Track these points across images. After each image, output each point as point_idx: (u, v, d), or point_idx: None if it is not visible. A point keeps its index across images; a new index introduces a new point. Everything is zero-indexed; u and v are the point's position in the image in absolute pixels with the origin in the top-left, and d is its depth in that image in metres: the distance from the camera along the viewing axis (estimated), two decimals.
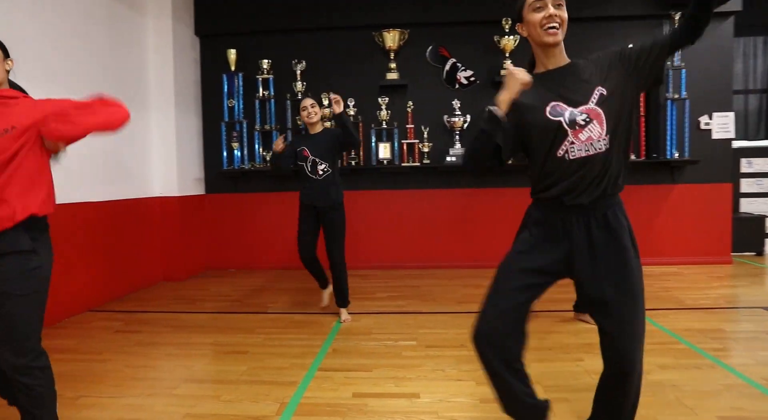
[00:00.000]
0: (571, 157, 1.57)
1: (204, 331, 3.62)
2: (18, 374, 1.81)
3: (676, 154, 5.36)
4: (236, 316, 3.94)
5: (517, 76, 1.56)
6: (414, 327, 3.57)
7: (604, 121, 1.55)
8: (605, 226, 1.59)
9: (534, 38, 1.63)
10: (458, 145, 5.46)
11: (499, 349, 1.64)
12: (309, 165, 3.62)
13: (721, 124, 5.52)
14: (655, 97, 5.36)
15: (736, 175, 6.54)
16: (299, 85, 5.55)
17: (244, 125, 5.60)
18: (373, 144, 5.56)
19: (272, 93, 5.58)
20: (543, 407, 1.72)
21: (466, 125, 5.46)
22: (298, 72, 5.55)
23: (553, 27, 1.57)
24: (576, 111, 1.57)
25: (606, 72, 1.57)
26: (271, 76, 5.57)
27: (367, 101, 5.57)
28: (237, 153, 5.61)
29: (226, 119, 5.61)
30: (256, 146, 5.63)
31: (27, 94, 1.97)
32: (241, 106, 5.60)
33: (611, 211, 1.60)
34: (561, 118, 1.58)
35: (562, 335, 3.33)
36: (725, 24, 5.45)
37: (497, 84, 5.44)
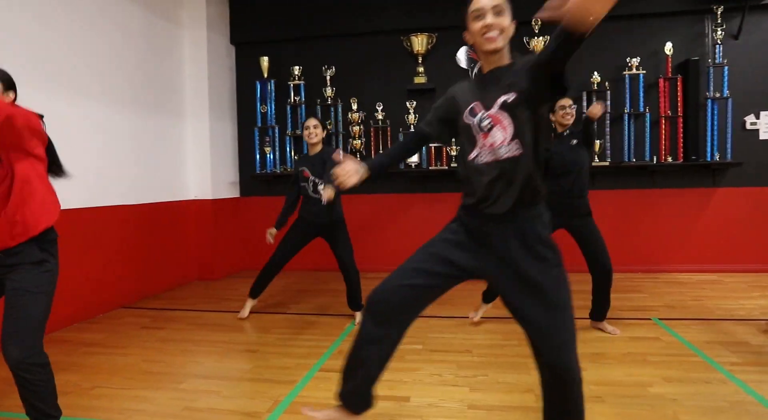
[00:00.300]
0: (479, 162, 1.60)
1: (222, 329, 3.77)
2: (20, 370, 1.93)
3: (717, 156, 5.10)
4: (256, 316, 4.07)
5: (342, 181, 1.71)
6: (425, 330, 3.58)
7: (507, 127, 1.55)
8: (522, 238, 1.56)
9: (476, 46, 1.65)
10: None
11: (381, 324, 1.71)
12: (310, 185, 3.70)
13: None
14: (695, 97, 5.10)
15: None
16: (329, 91, 5.66)
17: (276, 130, 5.77)
18: None
19: (303, 98, 5.73)
20: (367, 400, 1.79)
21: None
22: (328, 78, 5.67)
23: (492, 35, 1.57)
24: (485, 115, 1.58)
25: (522, 76, 1.55)
26: (302, 82, 5.72)
27: (395, 105, 5.62)
28: (269, 157, 5.79)
29: (259, 124, 5.80)
30: (288, 150, 5.79)
31: None
32: (273, 111, 5.78)
33: (530, 223, 1.57)
34: (472, 121, 1.61)
35: None
36: None
37: None
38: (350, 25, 5.66)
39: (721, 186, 5.26)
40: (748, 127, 5.21)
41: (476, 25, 1.60)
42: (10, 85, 2.03)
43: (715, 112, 5.11)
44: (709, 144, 5.11)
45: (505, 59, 1.65)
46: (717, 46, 5.07)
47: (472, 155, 1.62)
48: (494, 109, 1.57)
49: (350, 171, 1.71)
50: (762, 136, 5.20)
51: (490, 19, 1.57)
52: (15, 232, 1.94)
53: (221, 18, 5.68)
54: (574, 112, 3.37)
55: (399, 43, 5.59)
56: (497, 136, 1.56)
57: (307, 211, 3.76)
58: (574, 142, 3.37)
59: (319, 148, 3.75)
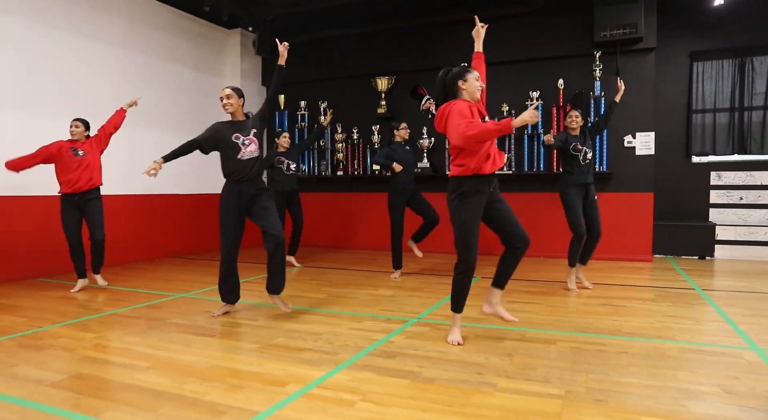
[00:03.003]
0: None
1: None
2: (97, 242, 4.62)
3: (599, 168, 6.53)
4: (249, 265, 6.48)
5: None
6: (318, 275, 5.73)
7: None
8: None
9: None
10: (425, 160, 7.35)
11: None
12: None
13: (643, 142, 6.53)
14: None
15: (706, 188, 7.24)
16: (323, 119, 7.97)
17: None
18: (369, 160, 7.73)
19: (306, 124, 8.11)
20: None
21: (431, 145, 7.34)
22: (322, 108, 8.00)
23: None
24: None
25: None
26: (306, 112, 8.11)
27: (365, 128, 7.77)
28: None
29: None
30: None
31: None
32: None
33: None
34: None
35: None
36: (647, 58, 6.48)
37: None
38: (337, 70, 7.95)
39: (606, 191, 6.66)
40: (626, 145, 6.58)
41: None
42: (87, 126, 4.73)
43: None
44: None
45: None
46: (596, 81, 6.54)
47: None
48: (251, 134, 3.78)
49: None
50: (638, 152, 6.54)
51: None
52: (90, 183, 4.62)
53: (254, 70, 8.29)
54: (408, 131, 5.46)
55: (369, 83, 7.74)
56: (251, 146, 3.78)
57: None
58: (407, 148, 5.42)
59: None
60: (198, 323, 3.66)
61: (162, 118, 6.93)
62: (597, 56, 6.54)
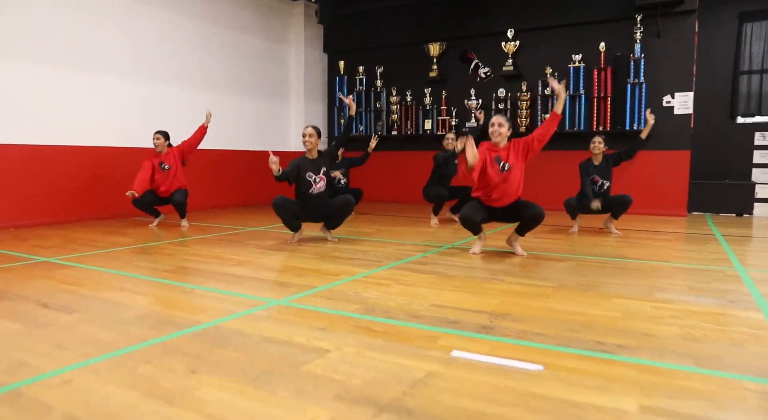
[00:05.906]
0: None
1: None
2: (179, 201, 5.51)
3: (635, 127, 6.86)
4: None
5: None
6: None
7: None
8: None
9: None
10: (473, 120, 7.88)
11: (286, 210, 4.49)
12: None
13: (682, 102, 6.78)
14: (622, 82, 6.90)
15: (750, 148, 7.40)
16: (379, 83, 8.63)
17: (346, 109, 8.92)
18: (421, 120, 8.34)
19: (364, 87, 8.78)
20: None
21: (478, 106, 7.86)
22: (378, 73, 8.63)
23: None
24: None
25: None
26: (363, 77, 8.77)
27: (418, 91, 8.36)
28: (343, 125, 8.97)
29: (337, 105, 9.02)
30: (354, 122, 8.90)
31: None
32: (346, 95, 8.93)
33: None
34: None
35: None
36: (688, 20, 6.67)
37: (503, 77, 7.69)
38: (393, 38, 8.53)
39: (644, 150, 6.97)
40: (665, 104, 6.84)
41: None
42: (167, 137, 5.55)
43: (637, 93, 6.86)
44: (628, 117, 6.90)
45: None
46: (636, 44, 6.81)
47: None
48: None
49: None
50: (676, 112, 6.80)
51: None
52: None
53: (317, 37, 9.00)
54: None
55: (422, 49, 8.28)
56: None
57: None
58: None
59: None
60: (268, 244, 4.49)
61: (238, 83, 7.80)
62: (638, 19, 6.79)
